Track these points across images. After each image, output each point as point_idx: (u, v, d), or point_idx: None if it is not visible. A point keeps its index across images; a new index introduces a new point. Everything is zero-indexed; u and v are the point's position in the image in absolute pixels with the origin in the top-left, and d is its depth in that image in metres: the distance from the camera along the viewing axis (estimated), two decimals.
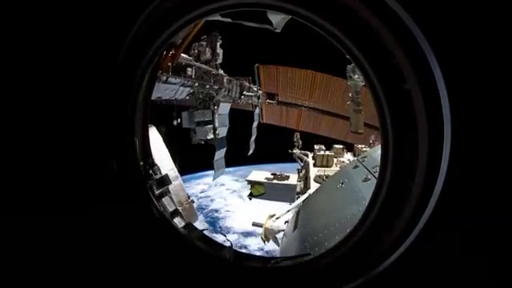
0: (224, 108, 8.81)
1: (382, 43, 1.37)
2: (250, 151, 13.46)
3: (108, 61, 1.32)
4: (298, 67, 12.15)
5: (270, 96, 13.10)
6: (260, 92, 11.53)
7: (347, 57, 1.73)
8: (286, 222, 6.34)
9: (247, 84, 10.41)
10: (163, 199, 3.13)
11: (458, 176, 1.10)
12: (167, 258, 1.80)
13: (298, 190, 10.05)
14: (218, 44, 6.61)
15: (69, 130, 1.30)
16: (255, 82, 12.06)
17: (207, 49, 6.46)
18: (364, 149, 12.31)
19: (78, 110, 1.30)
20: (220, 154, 9.12)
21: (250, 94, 10.27)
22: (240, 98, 9.67)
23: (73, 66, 1.26)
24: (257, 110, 13.37)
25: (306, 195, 7.60)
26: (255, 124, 13.48)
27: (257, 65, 12.33)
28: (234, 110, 9.63)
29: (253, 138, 13.38)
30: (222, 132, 8.81)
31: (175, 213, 3.21)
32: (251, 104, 12.50)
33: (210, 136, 7.15)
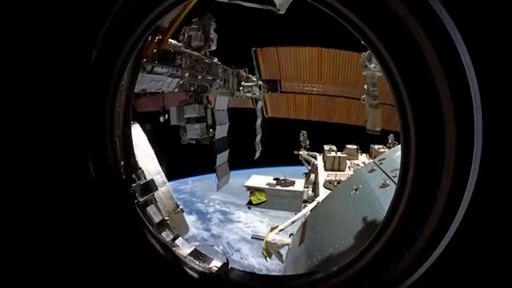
0: (222, 103, 8.69)
1: (402, 27, 1.37)
2: (257, 154, 13.36)
3: (83, 48, 1.32)
4: (301, 45, 12.08)
5: (273, 84, 13.03)
6: (260, 82, 11.51)
7: (362, 43, 1.74)
8: (291, 234, 6.33)
9: (245, 74, 10.41)
10: (148, 208, 3.13)
11: (490, 181, 1.10)
12: (153, 277, 1.79)
13: (305, 197, 10.04)
14: (212, 28, 6.59)
15: (37, 127, 1.30)
16: (253, 71, 12.04)
17: (199, 33, 6.45)
18: (381, 149, 12.31)
19: (48, 104, 1.29)
20: (222, 158, 8.89)
21: (250, 83, 10.26)
22: (238, 89, 9.65)
23: (41, 53, 1.25)
24: (259, 105, 13.30)
25: (314, 204, 7.60)
26: (259, 121, 13.40)
27: (254, 49, 12.22)
28: (233, 110, 9.55)
29: (258, 137, 13.27)
30: (222, 132, 8.64)
31: (162, 224, 3.21)
32: (252, 98, 12.47)
33: (203, 135, 7.13)
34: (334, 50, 11.78)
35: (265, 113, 14.10)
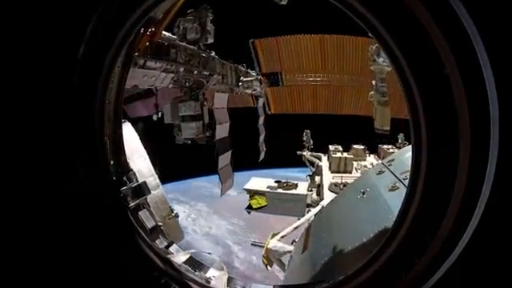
0: (221, 100, 8.59)
1: (413, 18, 1.37)
2: (261, 155, 13.31)
3: (70, 42, 1.32)
4: (302, 33, 12.05)
5: (274, 78, 12.94)
6: (260, 77, 11.48)
7: (370, 35, 1.74)
8: (294, 241, 6.34)
9: (243, 68, 10.40)
10: (140, 213, 3.13)
11: (508, 182, 1.10)
12: (144, 286, 1.79)
13: (309, 201, 10.06)
14: (209, 20, 6.58)
15: (22, 125, 1.30)
16: (252, 66, 12.00)
17: (195, 25, 6.44)
18: (391, 150, 12.33)
19: (34, 101, 1.29)
20: (225, 160, 8.69)
21: (249, 78, 10.25)
22: (237, 85, 9.62)
23: (26, 49, 1.25)
24: (260, 103, 13.23)
25: (318, 208, 7.62)
26: (261, 120, 13.33)
27: (252, 40, 12.17)
28: (232, 110, 9.48)
29: (262, 137, 13.18)
30: (223, 131, 8.50)
31: (155, 230, 3.21)
32: (252, 96, 12.44)
33: (199, 134, 7.11)
34: (337, 36, 11.73)
35: (267, 109, 14.01)
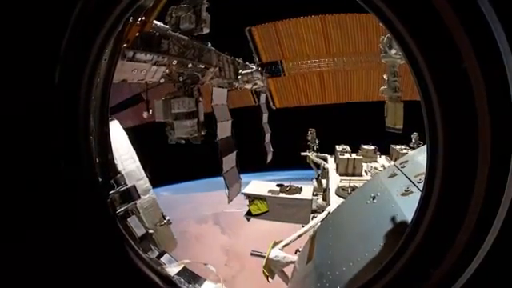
0: (219, 95, 8.47)
1: (428, 6, 1.37)
2: (269, 156, 13.14)
3: (51, 33, 1.31)
4: (301, 16, 12.07)
5: (275, 67, 12.86)
6: (260, 68, 11.44)
7: (381, 25, 1.74)
8: (297, 250, 6.34)
9: (241, 61, 10.40)
10: (129, 219, 3.14)
11: None
12: None
13: (314, 206, 10.05)
14: (204, 8, 6.59)
15: None
16: (250, 57, 11.98)
17: (189, 14, 6.44)
18: (404, 150, 12.32)
19: (13, 99, 1.29)
20: (230, 162, 8.48)
21: (249, 70, 10.21)
22: (236, 78, 9.58)
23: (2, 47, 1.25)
24: (262, 99, 13.13)
25: (324, 214, 7.61)
26: (265, 117, 13.14)
27: (248, 28, 12.15)
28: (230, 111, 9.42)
29: (267, 136, 13.00)
30: (225, 130, 8.38)
31: (145, 238, 3.22)
32: (252, 92, 12.41)
33: (194, 133, 7.10)
34: (339, 15, 11.71)
35: (271, 104, 13.90)
